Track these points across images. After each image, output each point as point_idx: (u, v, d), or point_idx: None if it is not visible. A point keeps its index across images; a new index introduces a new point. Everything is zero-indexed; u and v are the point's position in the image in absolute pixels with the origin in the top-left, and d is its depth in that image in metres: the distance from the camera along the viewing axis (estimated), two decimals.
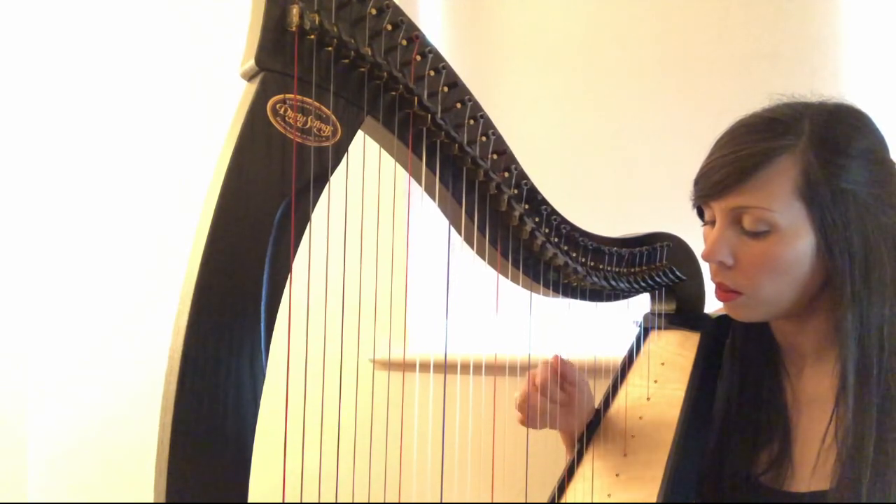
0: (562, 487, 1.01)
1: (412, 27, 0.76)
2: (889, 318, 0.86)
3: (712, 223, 0.93)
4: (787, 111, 0.90)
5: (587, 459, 1.02)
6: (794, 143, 0.86)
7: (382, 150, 0.80)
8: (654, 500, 0.92)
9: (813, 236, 0.86)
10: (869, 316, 0.86)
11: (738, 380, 1.02)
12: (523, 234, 0.88)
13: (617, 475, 0.98)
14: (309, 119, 0.70)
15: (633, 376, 1.08)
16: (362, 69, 0.74)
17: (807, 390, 0.96)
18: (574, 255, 0.93)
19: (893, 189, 0.89)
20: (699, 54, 1.49)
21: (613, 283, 0.98)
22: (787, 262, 0.87)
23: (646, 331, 1.12)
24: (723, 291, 0.94)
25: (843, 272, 0.86)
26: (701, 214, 0.98)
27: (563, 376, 1.03)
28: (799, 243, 0.87)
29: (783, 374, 0.99)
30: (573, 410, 1.05)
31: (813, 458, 0.90)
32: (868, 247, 0.85)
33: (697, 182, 0.93)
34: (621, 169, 1.53)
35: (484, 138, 0.83)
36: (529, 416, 1.03)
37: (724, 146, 0.91)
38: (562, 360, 1.04)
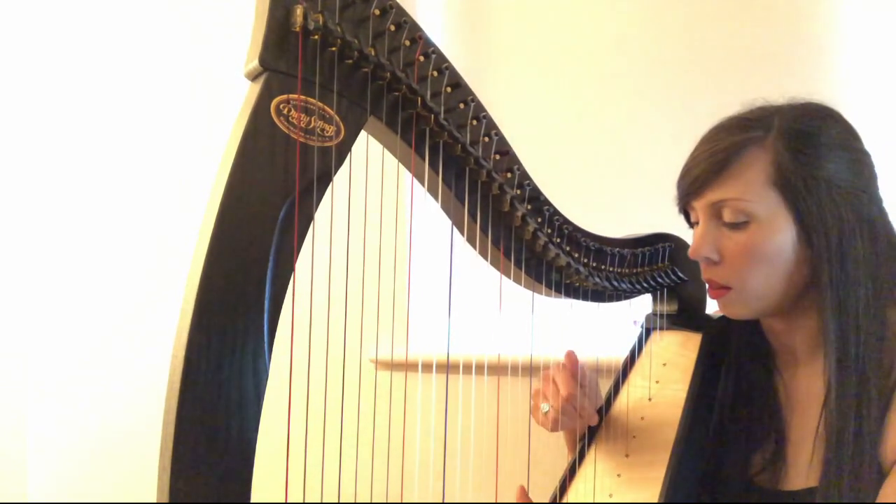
0: (563, 487, 1.01)
1: (415, 28, 0.77)
2: (864, 302, 0.88)
3: (697, 223, 0.95)
4: (757, 111, 0.93)
5: (589, 460, 1.02)
6: (763, 136, 0.89)
7: (385, 150, 0.80)
8: (656, 501, 0.92)
9: (792, 225, 0.88)
10: (846, 301, 0.87)
11: (733, 381, 1.02)
12: (526, 234, 0.88)
13: (618, 475, 0.98)
14: (312, 119, 0.71)
15: (635, 377, 1.08)
16: (366, 69, 0.74)
17: (800, 390, 0.96)
18: (576, 255, 0.93)
19: (865, 175, 0.91)
20: (699, 55, 1.49)
21: (615, 283, 0.98)
22: (769, 252, 0.89)
23: (648, 331, 1.12)
24: (714, 288, 0.95)
25: (821, 258, 0.87)
26: (688, 218, 0.99)
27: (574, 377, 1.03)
28: (779, 233, 0.89)
29: (776, 374, 0.99)
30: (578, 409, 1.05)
31: (807, 457, 0.91)
32: (843, 232, 0.87)
33: (678, 185, 0.96)
34: (623, 169, 1.53)
35: (487, 139, 0.83)
36: (554, 420, 1.02)
37: (698, 147, 0.94)
38: (573, 360, 1.04)
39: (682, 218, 1.01)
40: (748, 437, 0.97)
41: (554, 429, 1.03)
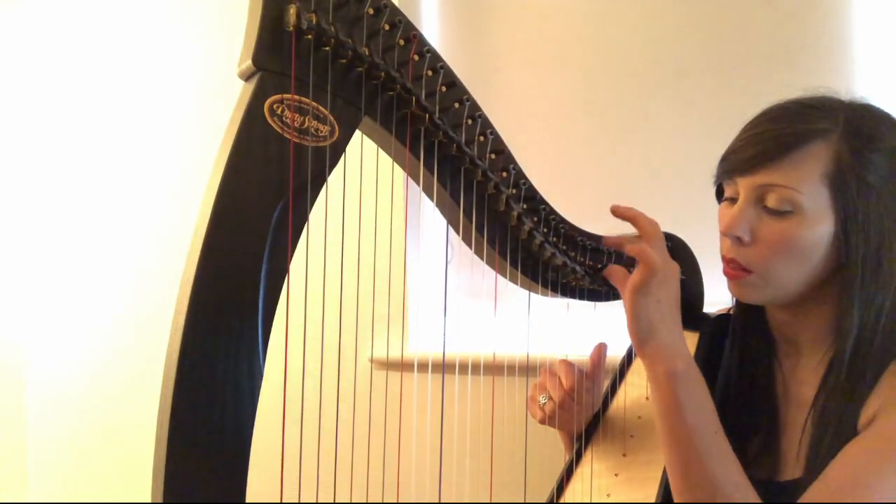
0: (560, 487, 1.01)
1: (410, 27, 0.76)
2: (889, 312, 0.88)
3: (731, 200, 0.93)
4: (824, 101, 0.92)
5: (586, 459, 1.02)
6: (830, 130, 0.88)
7: (380, 149, 0.80)
8: (654, 501, 0.92)
9: (832, 224, 0.88)
10: (871, 308, 0.88)
11: (735, 371, 1.02)
12: (522, 233, 0.88)
13: (616, 475, 0.98)
14: (306, 119, 0.70)
15: (632, 376, 1.08)
16: (360, 69, 0.74)
17: (798, 382, 0.97)
18: (573, 254, 0.93)
19: None
20: (698, 55, 1.49)
21: None
22: (803, 246, 0.89)
23: None
24: (733, 269, 0.93)
25: (856, 262, 0.87)
26: (719, 193, 0.98)
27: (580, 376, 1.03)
28: (818, 229, 0.88)
29: (777, 366, 0.99)
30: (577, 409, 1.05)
31: (797, 449, 0.91)
32: (882, 240, 0.88)
33: (726, 158, 0.94)
34: (620, 168, 1.53)
35: (482, 138, 0.83)
36: (552, 416, 1.02)
37: (760, 125, 0.92)
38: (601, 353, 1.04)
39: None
40: (745, 426, 0.97)
41: (550, 423, 1.03)
